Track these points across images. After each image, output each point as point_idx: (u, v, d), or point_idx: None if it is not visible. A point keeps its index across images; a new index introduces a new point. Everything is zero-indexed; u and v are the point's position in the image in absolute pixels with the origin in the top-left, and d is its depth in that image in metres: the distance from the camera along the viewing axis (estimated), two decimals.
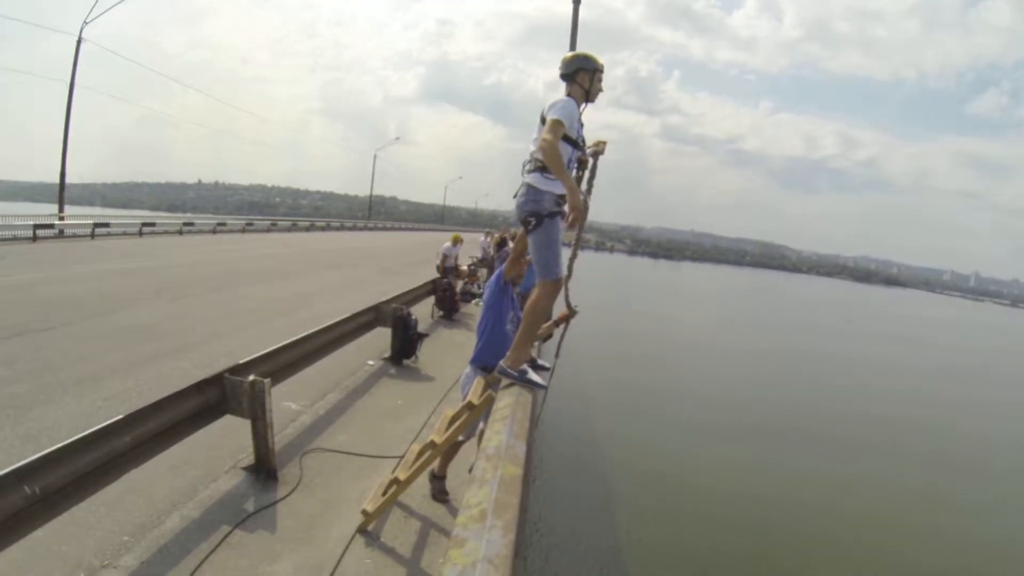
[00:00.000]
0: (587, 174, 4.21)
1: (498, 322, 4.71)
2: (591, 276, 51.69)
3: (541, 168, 3.72)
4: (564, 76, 4.00)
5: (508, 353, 3.92)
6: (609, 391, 18.93)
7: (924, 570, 9.97)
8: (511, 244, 9.01)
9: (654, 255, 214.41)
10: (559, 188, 3.67)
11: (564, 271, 3.93)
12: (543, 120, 3.74)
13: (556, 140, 3.53)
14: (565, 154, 3.75)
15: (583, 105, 3.99)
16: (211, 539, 4.17)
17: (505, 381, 3.84)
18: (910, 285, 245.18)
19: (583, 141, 4.01)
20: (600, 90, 4.06)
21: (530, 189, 3.79)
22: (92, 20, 23.84)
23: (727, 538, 9.94)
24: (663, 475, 12.26)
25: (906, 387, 26.06)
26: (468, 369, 4.80)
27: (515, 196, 3.94)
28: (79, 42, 23.72)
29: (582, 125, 3.97)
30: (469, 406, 3.94)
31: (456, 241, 15.86)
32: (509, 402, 3.49)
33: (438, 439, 4.11)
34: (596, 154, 4.21)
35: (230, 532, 4.28)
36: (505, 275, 4.69)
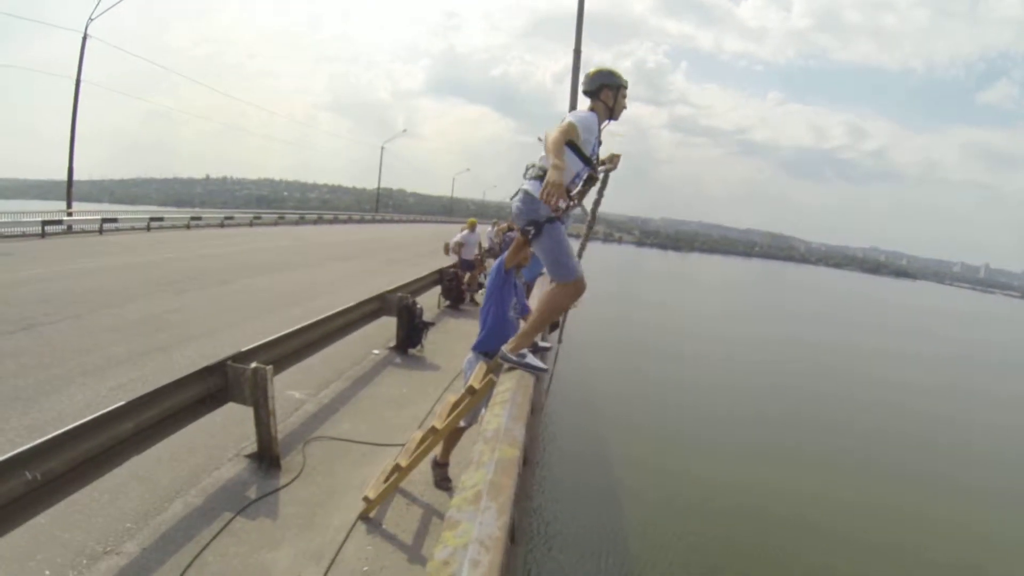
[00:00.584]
0: (598, 185, 4.13)
1: (501, 310, 4.71)
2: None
3: (541, 177, 3.59)
4: (587, 93, 3.93)
5: (512, 339, 3.87)
6: (616, 380, 18.92)
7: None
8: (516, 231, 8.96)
9: (663, 246, 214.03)
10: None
11: (580, 269, 3.77)
12: None
13: (563, 138, 3.43)
14: (574, 167, 3.67)
15: (606, 122, 3.94)
16: (213, 526, 4.18)
17: (507, 365, 3.82)
18: (920, 277, 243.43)
19: (596, 158, 3.90)
20: (624, 107, 3.98)
21: (527, 196, 3.68)
22: (97, 16, 23.93)
23: (731, 527, 9.91)
24: (669, 464, 12.23)
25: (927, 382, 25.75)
26: (471, 355, 4.80)
27: (512, 198, 3.84)
28: (84, 38, 23.77)
29: (600, 143, 3.89)
30: (470, 391, 3.93)
31: (472, 227, 15.11)
32: (510, 386, 3.47)
33: (439, 425, 4.10)
34: (608, 169, 4.13)
35: (232, 519, 4.29)
36: (507, 263, 4.67)
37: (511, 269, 4.71)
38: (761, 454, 13.70)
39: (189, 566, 3.73)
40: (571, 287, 3.69)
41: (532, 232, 3.68)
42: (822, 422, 17.49)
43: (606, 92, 3.88)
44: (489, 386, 3.80)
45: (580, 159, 3.70)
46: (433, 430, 4.13)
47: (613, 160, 4.11)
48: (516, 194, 3.79)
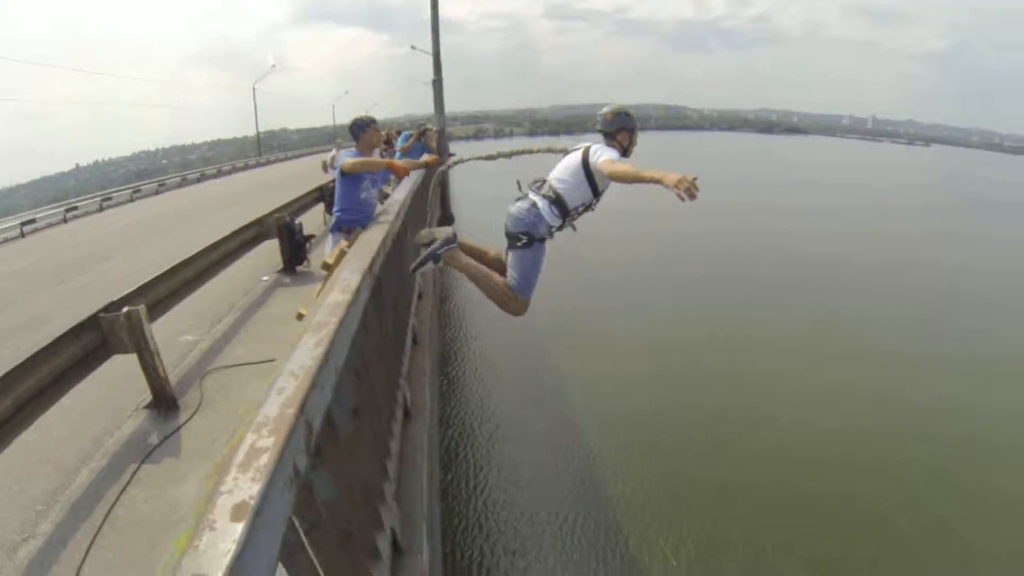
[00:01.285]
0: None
1: (351, 190, 4.83)
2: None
3: (554, 201, 3.89)
4: (605, 133, 4.03)
5: (441, 230, 4.07)
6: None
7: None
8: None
9: (554, 134, 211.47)
10: (556, 222, 3.93)
11: (531, 298, 4.07)
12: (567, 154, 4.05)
13: (625, 167, 3.60)
14: (583, 197, 3.95)
15: None
16: (120, 481, 4.20)
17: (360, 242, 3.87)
18: (812, 132, 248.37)
19: (602, 191, 4.09)
20: (635, 143, 4.10)
21: (533, 208, 3.92)
22: None
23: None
24: (601, 363, 12.33)
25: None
26: (331, 237, 5.02)
27: (515, 202, 4.04)
28: None
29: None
30: (325, 267, 4.03)
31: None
32: (355, 248, 3.53)
33: (305, 311, 4.12)
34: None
35: (137, 469, 4.31)
36: (345, 169, 4.88)
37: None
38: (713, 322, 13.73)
39: (102, 525, 3.76)
40: (517, 303, 4.05)
41: (523, 242, 3.94)
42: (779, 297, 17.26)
43: (623, 134, 4.02)
44: (342, 256, 3.87)
45: (592, 190, 3.98)
46: (299, 317, 4.16)
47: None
48: (521, 200, 4.03)
